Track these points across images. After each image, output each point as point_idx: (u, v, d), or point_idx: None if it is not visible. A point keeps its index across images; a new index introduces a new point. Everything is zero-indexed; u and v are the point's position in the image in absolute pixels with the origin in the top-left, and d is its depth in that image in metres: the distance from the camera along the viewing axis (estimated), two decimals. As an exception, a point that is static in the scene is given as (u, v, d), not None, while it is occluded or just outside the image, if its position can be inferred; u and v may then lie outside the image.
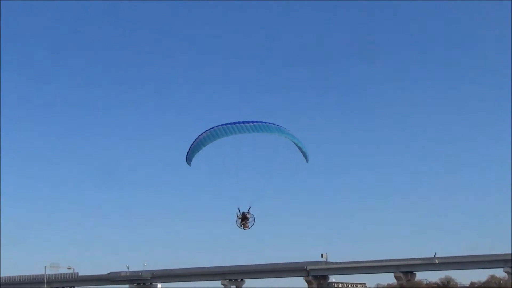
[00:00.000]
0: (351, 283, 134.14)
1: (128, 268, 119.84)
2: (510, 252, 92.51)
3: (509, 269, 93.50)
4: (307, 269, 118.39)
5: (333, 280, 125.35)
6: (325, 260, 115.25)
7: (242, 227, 36.03)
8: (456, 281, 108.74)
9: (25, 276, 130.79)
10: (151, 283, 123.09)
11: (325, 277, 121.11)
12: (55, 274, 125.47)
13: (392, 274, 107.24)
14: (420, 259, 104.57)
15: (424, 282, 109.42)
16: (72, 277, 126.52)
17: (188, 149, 34.23)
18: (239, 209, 35.80)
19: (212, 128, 33.86)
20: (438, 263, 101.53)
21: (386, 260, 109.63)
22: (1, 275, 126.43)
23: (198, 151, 33.30)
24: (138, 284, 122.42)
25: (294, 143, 34.35)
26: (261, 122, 34.28)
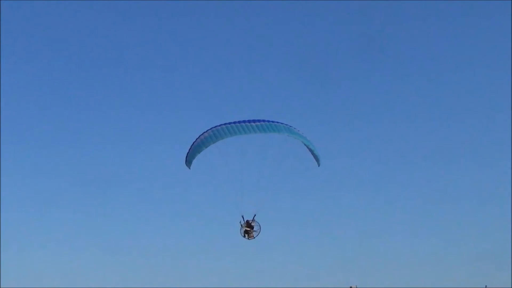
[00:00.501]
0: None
1: None
2: None
3: None
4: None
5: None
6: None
7: (247, 237, 32.74)
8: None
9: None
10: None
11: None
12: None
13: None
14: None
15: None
16: None
17: (187, 151, 30.95)
18: (243, 217, 32.50)
19: (214, 127, 30.63)
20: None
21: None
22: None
23: (199, 153, 30.06)
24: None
25: (305, 144, 31.12)
26: (268, 121, 31.07)
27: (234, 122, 30.66)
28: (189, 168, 30.98)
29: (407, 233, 61.95)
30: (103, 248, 59.41)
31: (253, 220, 32.45)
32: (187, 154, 30.87)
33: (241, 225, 32.53)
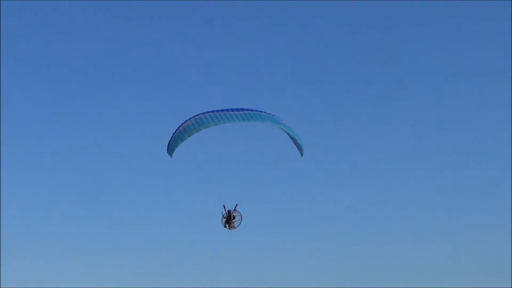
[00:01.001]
0: None
1: None
2: None
3: None
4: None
5: None
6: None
7: (228, 227, 32.40)
8: None
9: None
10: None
11: None
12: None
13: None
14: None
15: None
16: None
17: (169, 138, 30.47)
18: (224, 206, 32.15)
19: (197, 115, 30.19)
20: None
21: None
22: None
23: (182, 141, 29.60)
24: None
25: (288, 134, 30.85)
26: (252, 110, 30.75)
27: (217, 111, 30.27)
28: (171, 157, 30.52)
29: (406, 233, 61.83)
30: (95, 248, 58.77)
31: (234, 210, 32.16)
32: (169, 142, 30.42)
33: (222, 215, 32.23)
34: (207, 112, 30.07)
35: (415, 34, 73.47)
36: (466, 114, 69.62)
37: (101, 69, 72.38)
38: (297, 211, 61.16)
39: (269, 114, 30.83)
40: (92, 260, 56.98)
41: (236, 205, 32.00)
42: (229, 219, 32.13)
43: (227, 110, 30.34)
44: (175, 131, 30.30)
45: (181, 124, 30.22)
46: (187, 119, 30.30)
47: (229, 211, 32.09)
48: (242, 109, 30.52)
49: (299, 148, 31.36)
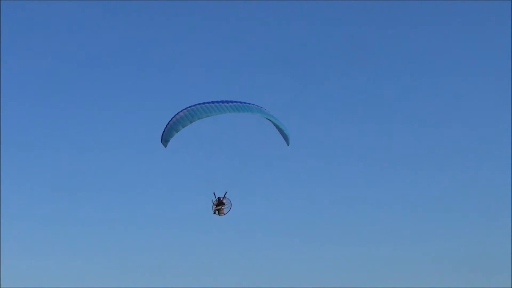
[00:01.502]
0: None
1: None
2: None
3: None
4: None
5: None
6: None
7: (217, 214, 33.98)
8: None
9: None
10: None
11: None
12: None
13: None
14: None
15: None
16: None
17: (163, 129, 31.96)
18: (214, 194, 33.74)
19: (190, 107, 31.75)
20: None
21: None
22: None
23: (177, 132, 31.10)
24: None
25: (276, 124, 32.60)
26: (241, 102, 32.41)
27: (209, 102, 31.85)
28: (165, 147, 31.99)
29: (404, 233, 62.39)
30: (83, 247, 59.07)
31: (224, 197, 33.72)
32: (163, 133, 31.86)
33: (212, 202, 33.77)
34: (200, 104, 31.63)
35: (414, 33, 73.77)
36: (465, 114, 69.66)
37: (94, 66, 72.97)
38: (297, 210, 61.64)
39: (257, 106, 32.51)
40: (88, 259, 57.42)
41: (226, 192, 33.57)
42: (218, 206, 33.69)
43: (217, 102, 31.94)
44: (169, 122, 31.77)
45: (175, 115, 31.72)
46: (180, 110, 31.81)
47: (218, 198, 33.66)
48: (232, 101, 32.16)
49: (286, 138, 33.08)
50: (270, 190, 61.57)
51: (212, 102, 31.90)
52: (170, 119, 31.88)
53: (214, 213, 33.88)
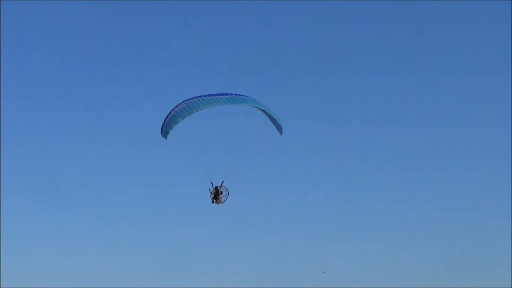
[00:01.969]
0: None
1: None
2: None
3: None
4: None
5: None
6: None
7: (216, 202, 35.48)
8: None
9: None
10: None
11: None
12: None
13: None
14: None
15: None
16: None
17: (163, 122, 33.49)
18: (212, 183, 35.26)
19: (187, 100, 33.33)
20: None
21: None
22: None
23: (176, 123, 32.62)
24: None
25: (269, 114, 34.29)
26: (234, 94, 34.06)
27: (205, 95, 33.46)
28: (165, 139, 33.47)
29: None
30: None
31: (221, 186, 35.25)
32: (163, 125, 33.34)
33: (210, 191, 35.28)
34: (197, 97, 33.21)
35: (401, 33, 74.63)
36: (465, 113, 71.86)
37: (86, 64, 73.74)
38: (296, 209, 62.60)
39: (251, 97, 34.17)
40: (87, 259, 57.77)
41: (223, 181, 35.13)
42: (216, 195, 35.23)
43: (213, 94, 33.56)
44: (168, 114, 33.28)
45: (173, 108, 33.24)
46: (178, 104, 33.35)
47: (216, 187, 35.19)
48: (227, 93, 33.80)
49: (279, 127, 34.73)
50: (265, 183, 62.72)
51: (208, 95, 33.47)
52: (169, 112, 33.38)
53: (213, 202, 35.37)
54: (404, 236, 62.03)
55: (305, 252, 59.88)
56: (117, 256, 59.15)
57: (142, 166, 66.80)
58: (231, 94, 33.77)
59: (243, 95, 33.94)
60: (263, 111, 34.26)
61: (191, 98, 33.23)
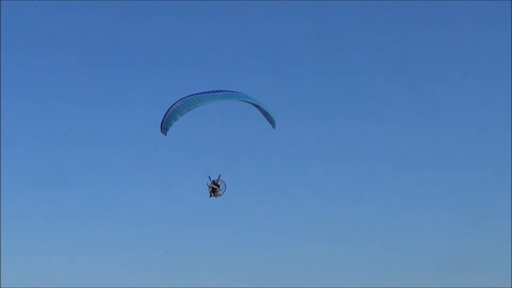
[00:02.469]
0: None
1: None
2: None
3: None
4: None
5: None
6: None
7: (214, 196, 36.86)
8: None
9: None
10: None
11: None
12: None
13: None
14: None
15: None
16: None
17: (162, 119, 34.90)
18: (209, 177, 36.66)
19: (185, 97, 34.82)
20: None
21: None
22: None
23: (176, 120, 34.08)
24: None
25: (263, 109, 35.89)
26: (229, 91, 35.58)
27: (201, 93, 34.96)
28: (165, 135, 34.89)
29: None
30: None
31: (218, 179, 36.69)
32: (163, 122, 34.74)
33: (208, 186, 36.69)
34: (194, 94, 34.71)
35: (402, 32, 76.29)
36: (464, 113, 71.88)
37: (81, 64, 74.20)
38: (297, 209, 63.10)
39: (244, 93, 35.74)
40: (87, 259, 57.99)
41: (220, 175, 36.59)
42: (214, 189, 36.65)
43: (209, 92, 35.09)
44: (167, 112, 34.71)
45: (172, 106, 34.69)
46: (176, 101, 34.82)
47: (213, 181, 36.62)
48: (222, 90, 35.35)
49: (272, 121, 36.30)
50: (264, 182, 63.37)
51: (204, 92, 34.99)
52: (167, 109, 34.80)
53: (211, 195, 36.77)
54: (404, 236, 62.67)
55: (303, 252, 60.78)
56: (116, 255, 59.68)
57: (139, 163, 67.34)
58: (225, 91, 35.31)
59: (236, 92, 35.48)
60: (257, 106, 35.81)
61: (188, 96, 34.71)
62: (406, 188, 67.17)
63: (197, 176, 36.79)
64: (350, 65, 75.54)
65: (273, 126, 36.70)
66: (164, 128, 34.68)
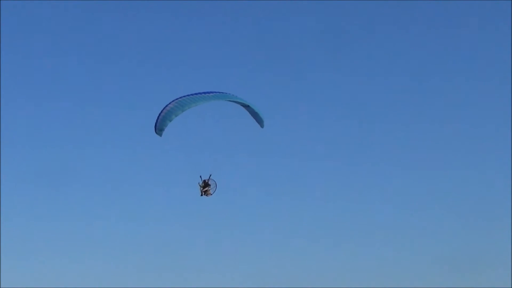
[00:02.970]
0: None
1: None
2: None
3: None
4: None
5: None
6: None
7: (205, 195, 37.58)
8: None
9: None
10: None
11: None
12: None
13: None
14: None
15: None
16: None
17: (156, 120, 35.50)
18: (200, 177, 37.41)
19: (178, 98, 35.52)
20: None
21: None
22: None
23: (170, 121, 34.73)
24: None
25: (252, 109, 36.86)
26: (219, 92, 36.46)
27: (194, 94, 35.75)
28: (160, 136, 35.48)
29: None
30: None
31: (209, 179, 37.47)
32: (157, 123, 35.32)
33: (199, 185, 37.43)
34: (187, 95, 35.47)
35: (406, 31, 76.88)
36: (463, 113, 72.23)
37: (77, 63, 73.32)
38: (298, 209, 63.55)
39: (234, 94, 36.66)
40: (86, 259, 57.59)
41: (210, 174, 37.39)
42: (205, 188, 37.41)
43: (201, 93, 35.90)
44: (160, 113, 35.32)
45: (165, 107, 35.33)
46: (169, 102, 35.48)
47: (204, 181, 37.38)
48: (212, 92, 36.23)
49: (260, 121, 37.29)
50: (262, 182, 63.59)
51: (196, 93, 35.80)
52: (160, 110, 35.42)
53: (202, 195, 37.51)
54: (404, 236, 62.83)
55: (303, 252, 61.13)
56: (115, 256, 59.60)
57: (132, 164, 67.12)
58: (215, 92, 36.19)
59: (228, 93, 36.40)
60: (247, 106, 36.77)
61: (182, 97, 35.45)
62: (406, 188, 67.47)
63: (191, 178, 37.45)
64: (355, 63, 76.06)
65: (261, 126, 37.70)
66: (159, 129, 35.26)
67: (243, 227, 61.76)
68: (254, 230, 62.90)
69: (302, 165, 68.17)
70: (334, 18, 77.36)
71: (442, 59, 75.94)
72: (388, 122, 72.21)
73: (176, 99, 35.43)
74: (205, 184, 37.40)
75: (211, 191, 37.54)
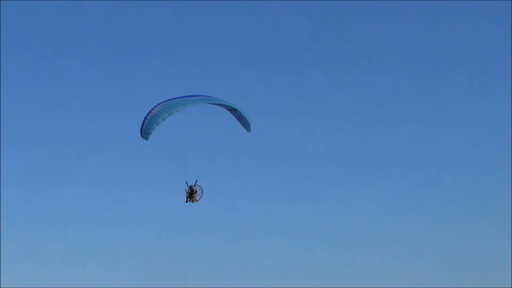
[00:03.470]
0: None
1: None
2: None
3: None
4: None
5: None
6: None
7: (190, 201, 36.71)
8: None
9: None
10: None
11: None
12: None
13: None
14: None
15: None
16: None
17: (142, 124, 34.64)
18: (186, 183, 36.58)
19: (165, 101, 34.76)
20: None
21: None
22: None
23: (157, 124, 33.90)
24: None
25: (239, 112, 36.25)
26: (206, 95, 35.77)
27: (180, 97, 35.00)
28: (146, 140, 34.56)
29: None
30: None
31: (195, 184, 36.60)
32: (143, 127, 34.42)
33: (185, 191, 36.53)
34: (173, 98, 34.68)
35: (405, 29, 75.53)
36: (462, 113, 70.92)
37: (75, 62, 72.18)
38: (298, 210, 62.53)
39: (220, 98, 35.99)
40: (85, 259, 56.64)
41: (196, 180, 36.52)
42: (191, 194, 36.52)
43: (187, 96, 35.18)
44: (146, 116, 34.45)
45: (151, 110, 34.47)
46: (155, 105, 34.64)
47: (190, 187, 36.49)
48: (198, 95, 35.53)
49: (247, 125, 36.62)
50: (259, 184, 62.89)
51: (183, 96, 35.05)
52: (146, 113, 34.53)
53: (187, 201, 36.62)
54: (404, 236, 62.19)
55: (303, 252, 60.35)
56: (116, 256, 58.88)
57: (132, 164, 66.23)
58: (202, 96, 35.48)
59: (215, 97, 35.72)
60: (234, 109, 36.10)
61: (168, 100, 34.63)
62: (406, 188, 66.90)
63: (178, 183, 36.60)
64: (353, 63, 75.20)
65: (248, 130, 37.04)
66: (145, 133, 34.37)
67: (238, 231, 61.21)
68: (249, 234, 62.08)
69: (298, 166, 67.90)
70: (331, 18, 76.30)
71: (442, 59, 75.64)
72: (387, 122, 72.12)
73: (162, 102, 34.62)
74: (192, 191, 36.53)
75: (197, 197, 36.67)
